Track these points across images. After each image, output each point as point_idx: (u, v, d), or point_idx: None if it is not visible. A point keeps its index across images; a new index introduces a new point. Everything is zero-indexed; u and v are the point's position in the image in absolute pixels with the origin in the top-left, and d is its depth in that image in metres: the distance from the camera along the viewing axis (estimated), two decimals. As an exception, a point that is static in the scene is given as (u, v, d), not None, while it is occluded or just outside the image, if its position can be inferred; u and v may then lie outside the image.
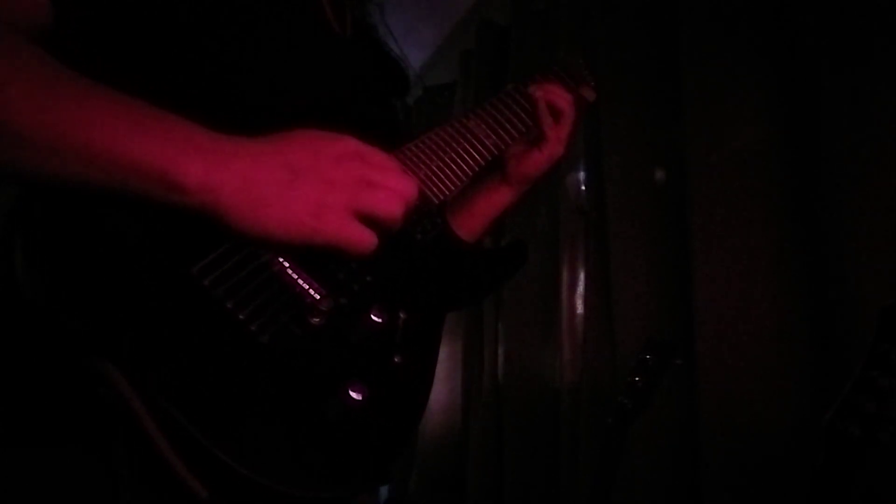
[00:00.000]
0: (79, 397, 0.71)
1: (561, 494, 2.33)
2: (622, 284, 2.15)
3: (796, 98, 1.77)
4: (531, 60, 2.76)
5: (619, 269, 2.16)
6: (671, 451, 1.94)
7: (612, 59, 2.26)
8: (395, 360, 0.85)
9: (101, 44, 0.81)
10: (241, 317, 0.73)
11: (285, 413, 0.74)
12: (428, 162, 0.99)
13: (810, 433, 1.06)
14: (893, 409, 0.96)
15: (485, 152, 1.05)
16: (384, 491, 3.04)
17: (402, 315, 0.86)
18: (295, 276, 0.79)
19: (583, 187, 2.50)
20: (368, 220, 0.74)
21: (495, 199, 1.13)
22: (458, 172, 1.01)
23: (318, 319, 0.78)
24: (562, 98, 1.10)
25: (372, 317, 0.83)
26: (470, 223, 1.11)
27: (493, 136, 1.06)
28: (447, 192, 1.00)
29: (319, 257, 0.76)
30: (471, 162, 1.03)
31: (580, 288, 2.45)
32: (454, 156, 1.01)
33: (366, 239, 0.73)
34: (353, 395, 0.76)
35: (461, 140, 1.03)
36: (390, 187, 0.75)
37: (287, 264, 0.79)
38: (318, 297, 0.79)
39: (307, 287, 0.79)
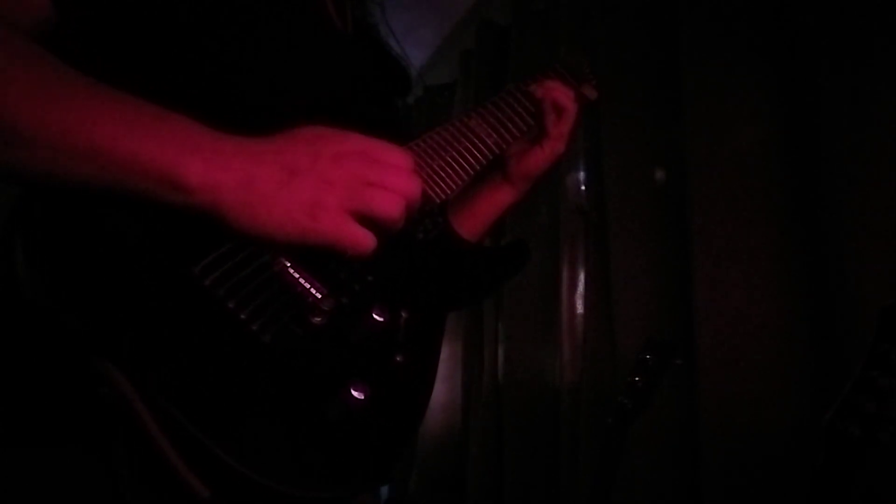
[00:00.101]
0: (79, 397, 0.71)
1: (561, 494, 2.33)
2: (622, 284, 2.15)
3: (796, 98, 1.77)
4: (531, 60, 2.76)
5: (619, 269, 2.16)
6: (671, 451, 1.94)
7: (612, 59, 2.26)
8: (397, 359, 0.84)
9: (101, 43, 0.81)
10: (242, 316, 0.73)
11: (286, 413, 0.74)
12: (429, 161, 0.99)
13: (810, 433, 1.06)
14: (893, 409, 0.96)
15: (486, 151, 1.05)
16: (384, 491, 3.03)
17: (403, 314, 0.86)
18: (296, 276, 0.79)
19: (583, 187, 2.50)
20: (367, 220, 0.74)
21: (497, 199, 1.13)
22: (460, 171, 1.01)
23: (319, 319, 0.78)
24: (563, 94, 1.10)
25: (373, 316, 0.83)
26: (471, 222, 1.11)
27: (495, 135, 1.06)
28: (449, 192, 1.00)
29: (320, 257, 0.76)
30: (472, 161, 1.03)
31: (580, 288, 2.45)
32: (455, 155, 1.01)
33: (364, 239, 0.73)
34: (355, 394, 0.76)
35: (462, 139, 1.03)
36: (391, 187, 0.75)
37: (288, 264, 0.79)
38: (319, 296, 0.79)
39: (308, 287, 0.79)
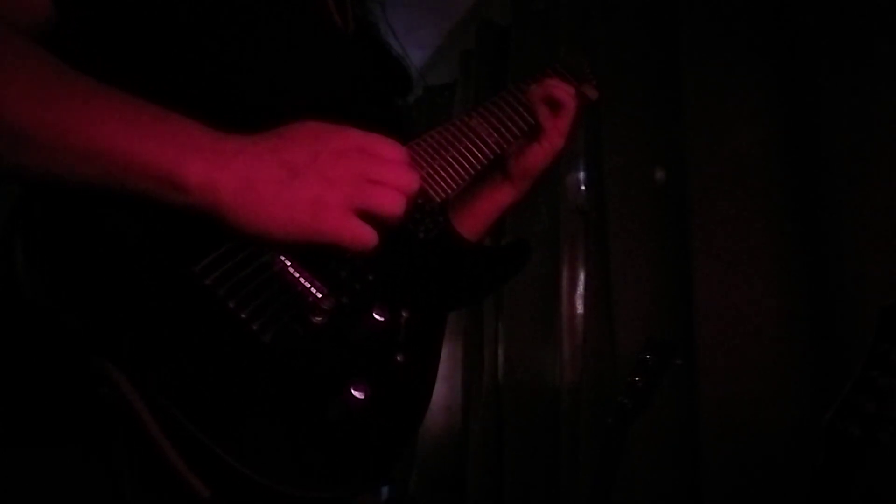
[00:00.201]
0: (79, 397, 0.71)
1: (561, 494, 2.33)
2: (622, 284, 2.15)
3: (796, 98, 1.77)
4: (531, 60, 2.77)
5: (619, 269, 2.16)
6: (671, 451, 1.94)
7: (612, 59, 2.26)
8: (398, 358, 0.84)
9: (101, 43, 0.81)
10: (242, 316, 0.73)
11: (287, 413, 0.74)
12: (430, 160, 0.99)
13: (810, 433, 1.06)
14: (893, 409, 0.96)
15: (487, 151, 1.04)
16: (384, 491, 3.03)
17: (404, 314, 0.86)
18: (296, 275, 0.79)
19: (583, 187, 2.51)
20: (368, 216, 0.74)
21: (497, 198, 1.13)
22: (461, 171, 1.01)
23: (319, 318, 0.78)
24: (562, 90, 1.10)
25: (374, 315, 0.83)
26: (471, 222, 1.11)
27: (496, 135, 1.06)
28: (449, 191, 1.00)
29: (321, 256, 0.76)
30: (473, 160, 1.03)
31: (580, 288, 2.46)
32: (456, 154, 1.01)
33: (366, 235, 0.73)
34: (356, 394, 0.76)
35: (463, 139, 1.03)
36: (391, 182, 0.75)
37: (289, 263, 0.79)
38: (319, 295, 0.79)
39: (309, 286, 0.79)
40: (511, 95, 1.10)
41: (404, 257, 0.92)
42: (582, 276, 2.44)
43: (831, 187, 1.64)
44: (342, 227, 0.73)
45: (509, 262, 1.11)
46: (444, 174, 0.99)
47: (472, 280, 1.06)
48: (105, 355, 0.67)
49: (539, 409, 2.53)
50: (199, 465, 0.67)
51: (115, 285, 0.70)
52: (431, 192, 0.98)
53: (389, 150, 0.77)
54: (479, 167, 1.04)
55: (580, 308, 2.43)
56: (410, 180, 0.76)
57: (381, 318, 0.83)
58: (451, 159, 1.01)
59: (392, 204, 0.74)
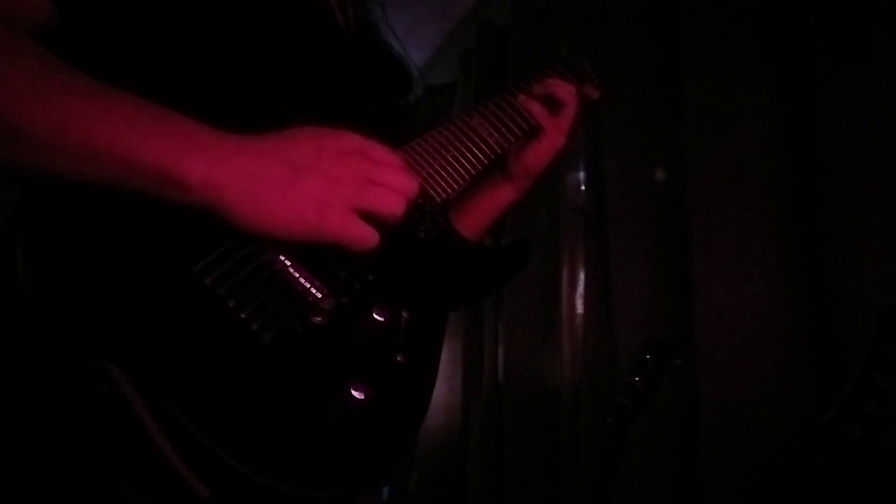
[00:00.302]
0: (79, 397, 0.71)
1: (561, 494, 2.33)
2: (622, 284, 2.15)
3: (796, 98, 1.77)
4: (531, 60, 2.76)
5: (619, 269, 2.16)
6: (671, 451, 1.94)
7: (612, 59, 2.26)
8: (398, 358, 0.84)
9: (101, 43, 0.81)
10: (242, 316, 0.73)
11: (287, 412, 0.74)
12: (430, 160, 0.99)
13: (810, 433, 1.06)
14: (893, 409, 0.96)
15: (487, 151, 1.04)
16: (385, 491, 3.03)
17: (404, 314, 0.86)
18: (296, 275, 0.79)
19: (583, 187, 2.51)
20: (369, 217, 0.74)
21: (497, 197, 1.13)
22: (461, 171, 1.01)
23: (319, 318, 0.78)
24: (563, 89, 1.10)
25: (374, 315, 0.83)
26: (472, 221, 1.11)
27: (496, 135, 1.06)
28: (450, 191, 1.00)
29: (321, 255, 0.76)
30: (473, 160, 1.03)
31: (580, 288, 2.46)
32: (457, 154, 1.01)
33: (368, 236, 0.74)
34: (356, 394, 0.76)
35: (464, 138, 1.03)
36: (392, 184, 0.75)
37: (288, 263, 0.79)
38: (319, 295, 0.79)
39: (308, 286, 0.79)
40: (512, 95, 1.10)
41: (405, 257, 0.92)
42: (582, 276, 2.44)
43: (831, 187, 1.64)
44: (344, 227, 0.73)
45: (510, 262, 1.11)
46: (444, 174, 0.99)
47: (472, 280, 1.06)
48: (105, 355, 0.67)
49: (539, 409, 2.53)
50: (199, 465, 0.68)
51: (115, 285, 0.70)
52: (432, 192, 0.98)
53: (387, 154, 0.78)
54: (479, 167, 1.04)
55: (580, 308, 2.43)
56: (411, 183, 0.77)
57: (382, 318, 0.83)
58: (451, 159, 1.01)
59: (393, 206, 0.74)
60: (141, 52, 0.82)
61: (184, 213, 0.70)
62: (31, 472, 0.74)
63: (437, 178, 0.99)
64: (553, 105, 1.10)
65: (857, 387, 0.98)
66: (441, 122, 1.05)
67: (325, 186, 0.72)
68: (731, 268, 1.82)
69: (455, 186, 1.00)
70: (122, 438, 0.70)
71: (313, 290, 0.79)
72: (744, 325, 1.77)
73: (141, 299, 0.70)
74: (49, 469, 0.74)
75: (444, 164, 1.00)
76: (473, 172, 1.03)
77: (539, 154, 1.10)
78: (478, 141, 1.04)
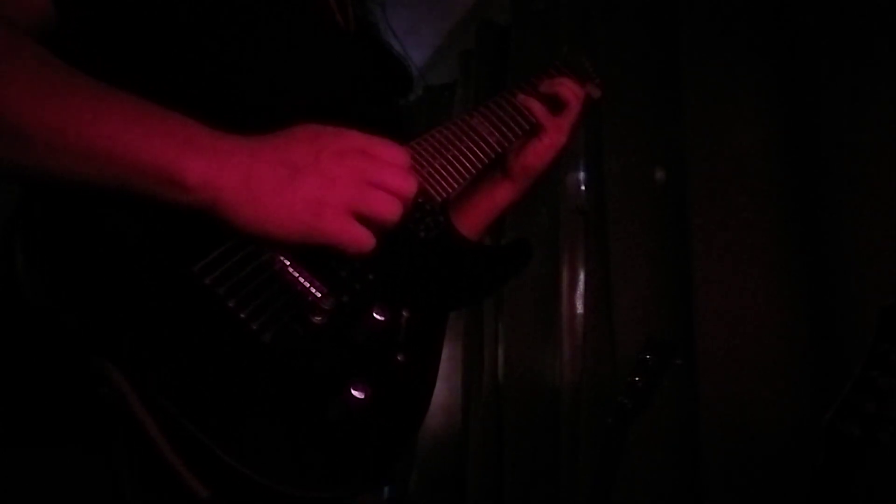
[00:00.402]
0: (79, 397, 0.71)
1: (561, 494, 2.33)
2: (622, 284, 2.15)
3: (796, 98, 1.77)
4: (531, 60, 2.76)
5: (619, 269, 2.16)
6: (671, 451, 1.94)
7: (612, 59, 2.26)
8: (398, 358, 0.84)
9: (101, 43, 0.81)
10: (242, 316, 0.73)
11: (286, 412, 0.74)
12: (430, 160, 0.99)
13: (810, 433, 1.06)
14: (893, 409, 0.96)
15: (488, 150, 1.04)
16: (384, 491, 3.03)
17: (404, 313, 0.86)
18: (296, 275, 0.79)
19: (583, 187, 2.51)
20: (365, 219, 0.74)
21: (496, 196, 1.13)
22: (461, 170, 1.01)
23: (319, 318, 0.78)
24: (568, 89, 1.10)
25: (374, 315, 0.83)
26: (470, 221, 1.11)
27: (497, 134, 1.06)
28: (450, 190, 0.99)
29: (320, 255, 0.76)
30: (474, 159, 1.03)
31: (580, 288, 2.46)
32: (457, 153, 1.01)
33: (363, 239, 0.74)
34: (356, 394, 0.76)
35: (464, 138, 1.03)
36: (390, 187, 0.75)
37: (288, 262, 0.78)
38: (319, 295, 0.79)
39: (308, 285, 0.79)
40: (512, 94, 1.10)
41: (405, 257, 0.92)
42: (582, 276, 2.44)
43: (831, 187, 1.64)
44: (341, 228, 0.73)
45: (510, 261, 1.11)
46: (444, 173, 0.99)
47: (472, 280, 1.05)
48: (105, 355, 0.67)
49: (539, 409, 2.53)
50: (199, 465, 0.67)
51: (115, 285, 0.70)
52: (432, 191, 0.98)
53: (390, 153, 0.78)
54: (480, 166, 1.03)
55: (580, 308, 2.43)
56: (409, 185, 0.77)
57: (382, 318, 0.83)
58: (451, 158, 1.01)
59: (389, 210, 0.75)
60: (141, 51, 0.82)
61: (183, 213, 0.70)
62: (31, 472, 0.74)
63: (438, 177, 0.99)
64: (554, 104, 1.10)
65: (857, 387, 0.98)
66: (441, 122, 1.05)
67: (322, 186, 0.72)
68: (731, 268, 1.82)
69: (455, 186, 1.00)
70: (122, 438, 0.69)
71: (313, 290, 0.79)
72: (744, 325, 1.77)
73: (140, 299, 0.70)
74: (49, 469, 0.74)
75: (445, 163, 1.00)
76: (474, 171, 1.03)
77: (539, 153, 1.10)
78: (478, 140, 1.04)
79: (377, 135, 0.78)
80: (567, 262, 2.52)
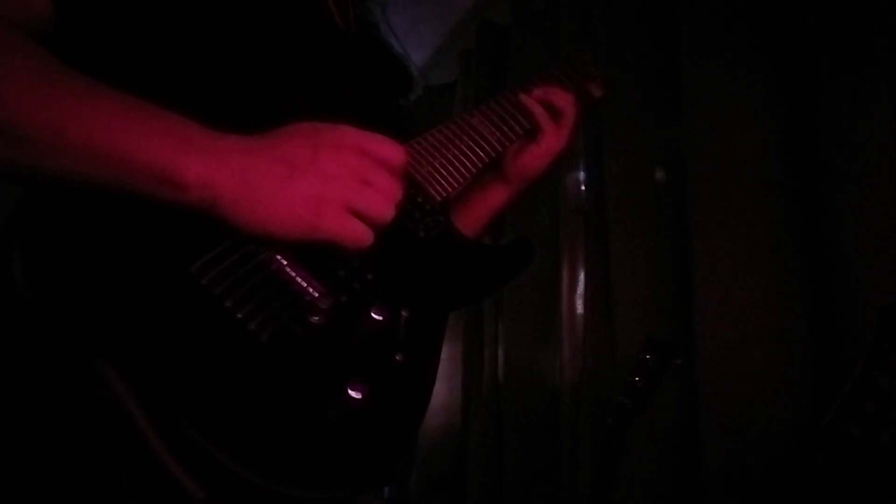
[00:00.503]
0: (79, 397, 0.70)
1: (561, 494, 2.33)
2: (622, 284, 2.15)
3: (796, 98, 1.77)
4: (531, 60, 2.77)
5: (619, 269, 2.16)
6: (671, 451, 1.94)
7: (612, 59, 2.26)
8: (397, 358, 0.84)
9: (101, 43, 0.81)
10: (238, 316, 0.73)
11: (285, 413, 0.73)
12: (430, 159, 0.99)
13: (810, 433, 1.05)
14: (893, 409, 0.96)
15: (488, 149, 1.04)
16: (385, 491, 3.03)
17: (403, 313, 0.86)
18: (293, 275, 0.78)
19: (583, 187, 2.51)
20: (361, 217, 0.75)
21: (490, 198, 1.12)
22: (462, 169, 1.01)
23: (317, 318, 0.78)
24: (562, 98, 1.10)
25: (373, 315, 0.82)
26: (466, 222, 1.10)
27: (498, 133, 1.06)
28: (451, 189, 0.99)
29: (319, 254, 0.77)
30: (474, 159, 1.02)
31: (580, 288, 2.45)
32: (457, 153, 1.01)
33: (362, 234, 0.75)
34: (353, 394, 0.76)
35: (464, 137, 1.03)
36: (382, 188, 0.76)
37: (285, 262, 0.78)
38: (316, 295, 0.79)
39: (305, 285, 0.79)
40: (513, 94, 1.10)
41: (404, 256, 0.92)
42: (582, 276, 2.44)
43: (831, 187, 1.64)
44: (340, 224, 0.73)
45: (511, 261, 1.10)
46: (444, 172, 0.99)
47: (472, 279, 1.05)
48: (103, 355, 0.67)
49: (539, 409, 2.53)
50: (195, 466, 0.67)
51: (112, 285, 0.70)
52: (432, 190, 0.97)
53: (386, 150, 0.78)
54: (480, 165, 1.03)
55: (580, 308, 2.43)
56: (395, 188, 0.78)
57: (380, 318, 0.83)
58: (451, 157, 1.00)
59: (384, 209, 0.76)
60: (141, 51, 0.82)
61: (182, 213, 0.70)
62: (31, 472, 0.74)
63: (438, 176, 0.98)
64: (553, 111, 1.10)
65: (857, 387, 0.98)
66: (441, 122, 1.04)
67: (320, 183, 0.73)
68: (731, 268, 1.82)
69: (456, 185, 1.00)
70: (122, 438, 0.69)
71: (310, 290, 0.79)
72: (744, 325, 1.77)
73: (138, 299, 0.70)
74: (49, 469, 0.74)
75: (445, 162, 1.00)
76: (474, 171, 1.02)
77: (536, 158, 1.10)
78: (479, 139, 1.04)
79: (375, 132, 0.78)
80: (567, 262, 2.52)
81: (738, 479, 1.71)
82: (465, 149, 1.02)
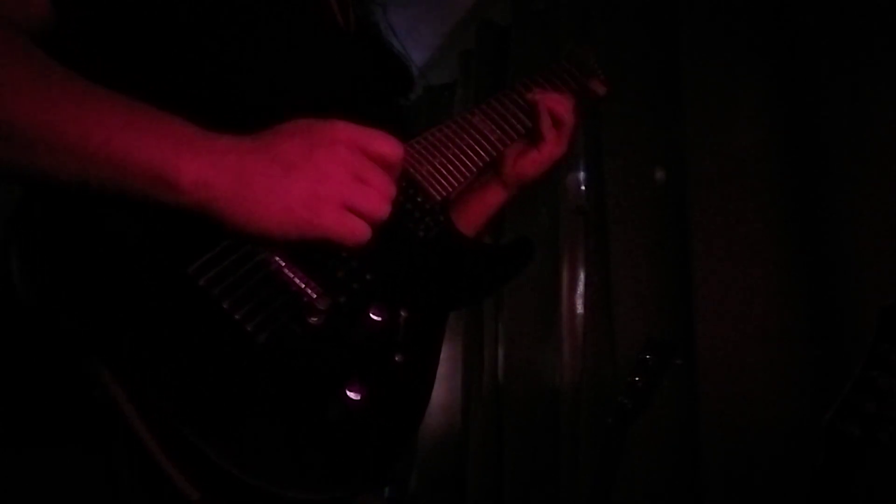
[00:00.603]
0: (78, 398, 0.70)
1: (561, 494, 2.33)
2: (622, 284, 2.15)
3: (796, 98, 1.77)
4: (531, 60, 2.76)
5: (619, 269, 2.16)
6: (671, 451, 1.94)
7: (612, 59, 2.26)
8: (396, 358, 0.84)
9: (101, 44, 0.81)
10: (236, 317, 0.73)
11: (283, 413, 0.73)
12: (430, 158, 0.98)
13: (810, 433, 1.05)
14: (893, 409, 0.96)
15: (489, 147, 1.04)
16: (384, 491, 3.03)
17: (403, 313, 0.86)
18: (291, 276, 0.78)
19: (583, 187, 2.50)
20: (358, 214, 0.75)
21: (487, 199, 1.12)
22: (462, 168, 1.00)
23: (316, 318, 0.78)
24: (561, 105, 1.09)
25: (372, 315, 0.82)
26: (463, 222, 1.10)
27: (498, 132, 1.05)
28: (450, 189, 0.99)
29: (317, 255, 0.76)
30: (475, 158, 1.02)
31: (580, 288, 2.45)
32: (458, 152, 1.01)
33: (360, 230, 0.75)
34: (353, 394, 0.76)
35: (465, 136, 1.02)
36: (376, 185, 0.76)
37: (283, 263, 0.78)
38: (315, 295, 0.79)
39: (304, 286, 0.79)
40: (514, 93, 1.10)
41: (403, 256, 0.92)
42: (582, 276, 2.44)
43: (831, 187, 1.64)
44: (338, 221, 0.73)
45: (511, 261, 1.10)
46: (444, 171, 0.99)
47: (472, 279, 1.05)
48: (101, 356, 0.67)
49: (539, 409, 2.53)
50: (191, 468, 0.67)
51: (111, 286, 0.70)
52: (432, 189, 0.97)
53: (381, 144, 0.78)
54: (480, 164, 1.03)
55: (580, 308, 2.43)
56: (391, 184, 0.77)
57: (379, 318, 0.83)
58: (451, 156, 1.00)
59: (379, 206, 0.76)
60: (140, 52, 0.82)
61: (180, 213, 0.70)
62: (30, 472, 0.74)
63: (438, 175, 0.98)
64: (554, 117, 1.10)
65: (857, 387, 0.98)
66: (441, 122, 1.04)
67: (316, 180, 0.73)
68: (731, 268, 1.82)
69: (456, 184, 0.99)
70: (122, 439, 0.69)
71: (308, 291, 0.78)
72: (744, 325, 1.77)
73: (136, 300, 0.70)
74: (49, 469, 0.74)
75: (445, 161, 0.99)
76: (475, 170, 1.02)
77: (535, 162, 1.10)
78: (479, 138, 1.03)
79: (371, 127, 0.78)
80: (567, 262, 2.52)
81: (738, 479, 1.71)
82: (466, 148, 1.01)
